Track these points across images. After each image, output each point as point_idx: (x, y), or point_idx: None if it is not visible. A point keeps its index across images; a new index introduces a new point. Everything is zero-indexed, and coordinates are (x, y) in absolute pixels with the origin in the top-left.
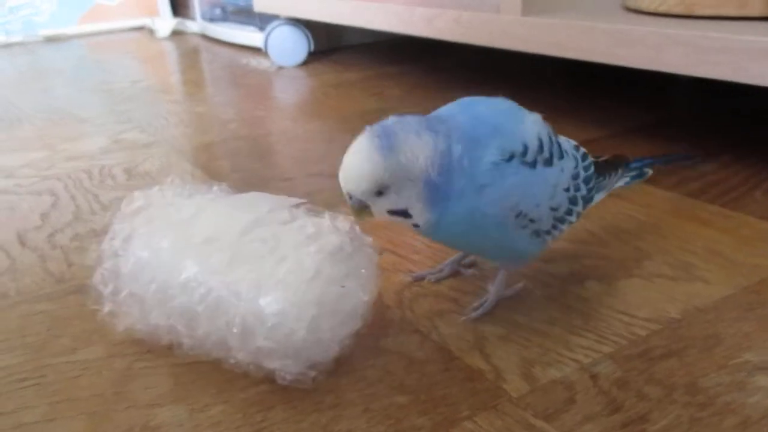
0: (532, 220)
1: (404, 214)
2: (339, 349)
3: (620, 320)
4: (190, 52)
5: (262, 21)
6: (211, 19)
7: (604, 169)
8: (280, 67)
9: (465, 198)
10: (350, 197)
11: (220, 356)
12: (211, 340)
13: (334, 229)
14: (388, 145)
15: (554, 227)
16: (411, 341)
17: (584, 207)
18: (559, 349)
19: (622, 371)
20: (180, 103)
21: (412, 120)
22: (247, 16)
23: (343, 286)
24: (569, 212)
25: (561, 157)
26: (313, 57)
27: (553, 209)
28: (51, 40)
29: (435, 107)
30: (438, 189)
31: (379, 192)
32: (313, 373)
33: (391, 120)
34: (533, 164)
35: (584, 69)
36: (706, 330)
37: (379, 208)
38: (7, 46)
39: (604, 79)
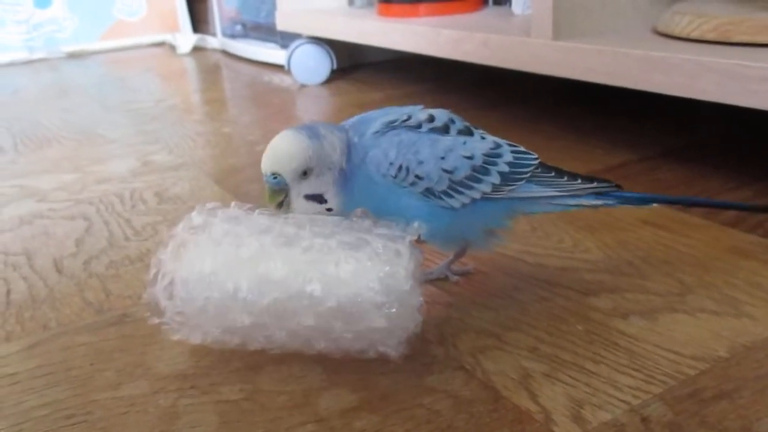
0: (418, 177)
1: (319, 199)
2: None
3: (667, 358)
4: (211, 69)
5: (284, 38)
6: (232, 36)
7: (560, 172)
8: (303, 86)
9: (358, 170)
10: (273, 178)
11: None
12: (303, 332)
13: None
14: (313, 134)
15: (455, 190)
16: (456, 379)
17: (505, 183)
18: (607, 389)
19: (673, 414)
20: (205, 123)
21: (323, 123)
22: (267, 32)
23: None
24: (476, 180)
25: (468, 134)
26: (335, 74)
27: (447, 171)
28: (73, 56)
29: None
30: (345, 172)
31: (304, 172)
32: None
33: (305, 123)
34: (416, 127)
35: (608, 92)
36: (756, 370)
37: (298, 192)
38: (30, 62)
39: (629, 101)
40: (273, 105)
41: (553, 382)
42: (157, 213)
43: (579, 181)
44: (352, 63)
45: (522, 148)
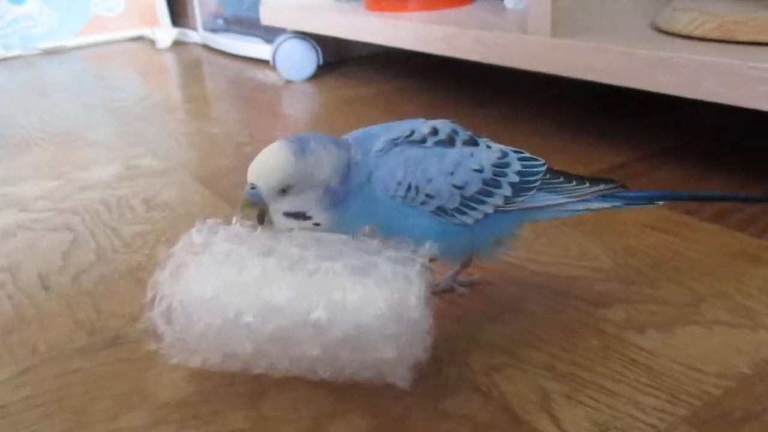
0: (429, 195)
1: (301, 216)
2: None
3: (689, 376)
4: (193, 65)
5: (268, 32)
6: (213, 30)
7: (567, 176)
8: (289, 82)
9: (361, 190)
10: (251, 188)
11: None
12: (307, 360)
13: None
14: (300, 149)
15: (467, 206)
16: (472, 401)
17: (516, 194)
18: (631, 411)
19: None
20: (190, 122)
21: (324, 135)
22: (250, 26)
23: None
24: (488, 194)
25: (473, 144)
26: (321, 69)
27: (458, 187)
28: (50, 52)
29: None
30: (336, 194)
31: (283, 190)
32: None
33: (305, 133)
34: (421, 142)
35: (603, 89)
36: None
37: (277, 209)
38: (6, 60)
39: (626, 99)
40: (258, 102)
41: (573, 403)
42: (146, 221)
43: (587, 184)
44: (338, 58)
45: (527, 154)
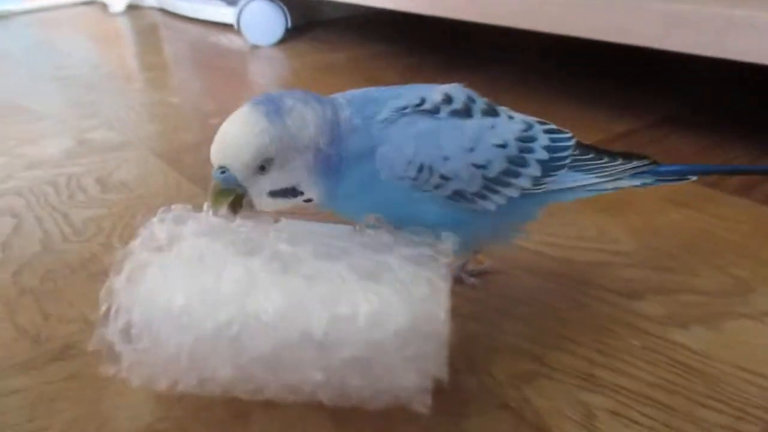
0: (445, 177)
1: (291, 192)
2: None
3: (751, 383)
4: (149, 30)
5: None
6: None
7: (598, 152)
8: (255, 47)
9: (359, 162)
10: (221, 173)
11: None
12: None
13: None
14: (274, 109)
15: (490, 189)
16: (501, 422)
17: (545, 174)
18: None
19: None
20: (149, 92)
21: (300, 91)
22: None
23: None
24: (514, 174)
25: (493, 114)
26: (290, 34)
27: (479, 166)
28: None
29: None
30: (329, 159)
31: (262, 167)
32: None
33: (275, 92)
34: (434, 112)
35: (598, 49)
36: None
37: (259, 189)
38: None
39: (623, 61)
40: (223, 69)
41: (624, 422)
42: (101, 204)
43: (619, 161)
44: (307, 21)
45: (553, 126)
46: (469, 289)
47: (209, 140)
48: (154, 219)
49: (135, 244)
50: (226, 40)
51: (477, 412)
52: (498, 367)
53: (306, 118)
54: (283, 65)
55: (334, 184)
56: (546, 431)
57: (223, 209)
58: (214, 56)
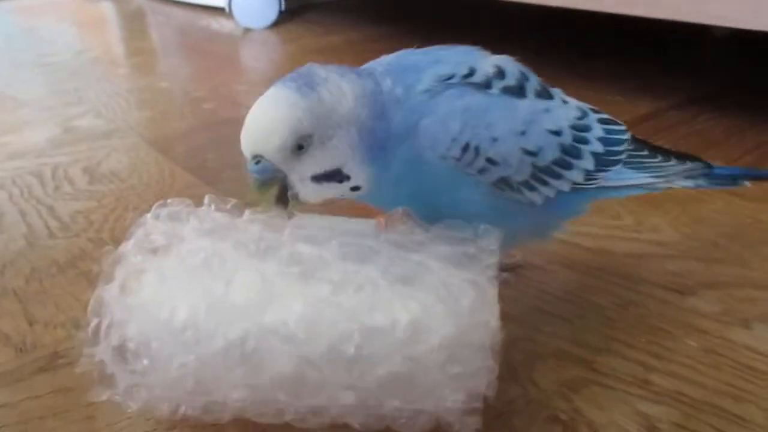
0: (492, 161)
1: (336, 176)
2: None
3: None
4: (134, 15)
5: None
6: None
7: (652, 149)
8: (248, 30)
9: (403, 141)
10: (255, 163)
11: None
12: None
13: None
14: (306, 83)
15: (539, 180)
16: None
17: (599, 168)
18: None
19: None
20: (137, 77)
21: (331, 65)
22: None
23: None
24: (566, 165)
25: (547, 97)
26: (283, 17)
27: (530, 153)
28: None
29: None
30: (375, 135)
31: (300, 146)
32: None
33: (306, 66)
34: (485, 86)
35: (607, 23)
36: None
37: (300, 174)
38: None
39: (633, 36)
40: (214, 54)
41: None
42: (89, 197)
43: (672, 161)
44: (301, 3)
45: (607, 116)
46: (502, 285)
47: (203, 126)
48: (149, 215)
49: (128, 245)
50: (217, 24)
51: (524, 427)
52: (542, 373)
53: (343, 89)
54: (277, 49)
55: (382, 165)
56: None
57: (272, 205)
58: (204, 41)
